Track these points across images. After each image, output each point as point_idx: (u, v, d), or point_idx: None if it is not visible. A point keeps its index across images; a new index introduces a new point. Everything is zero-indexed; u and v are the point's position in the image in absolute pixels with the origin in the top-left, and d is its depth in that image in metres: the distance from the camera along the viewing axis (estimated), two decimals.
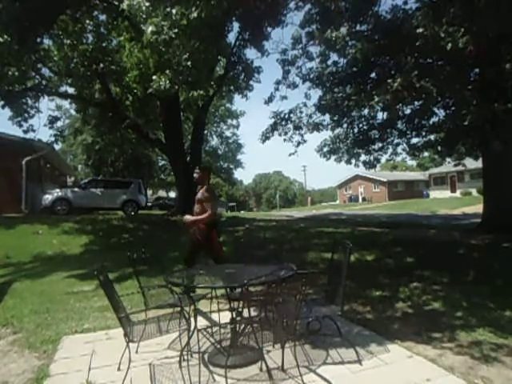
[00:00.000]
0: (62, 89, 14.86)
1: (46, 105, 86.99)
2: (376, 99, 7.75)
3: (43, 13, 8.85)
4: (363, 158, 12.10)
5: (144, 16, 6.14)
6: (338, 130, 11.71)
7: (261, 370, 2.97)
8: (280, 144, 75.47)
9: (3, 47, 8.58)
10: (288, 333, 3.02)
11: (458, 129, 9.51)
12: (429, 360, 3.11)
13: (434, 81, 7.32)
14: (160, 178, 36.12)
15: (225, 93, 18.26)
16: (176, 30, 5.91)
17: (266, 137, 11.34)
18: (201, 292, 3.78)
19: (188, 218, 4.67)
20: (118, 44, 13.36)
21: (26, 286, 6.10)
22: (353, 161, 11.99)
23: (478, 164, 13.50)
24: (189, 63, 6.42)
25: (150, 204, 26.01)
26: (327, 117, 11.11)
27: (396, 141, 11.95)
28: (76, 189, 16.21)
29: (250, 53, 75.54)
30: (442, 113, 10.63)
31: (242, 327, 3.10)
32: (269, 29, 10.09)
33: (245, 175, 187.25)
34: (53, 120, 15.71)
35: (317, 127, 11.11)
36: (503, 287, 4.94)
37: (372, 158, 12.13)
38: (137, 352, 3.28)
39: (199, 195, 4.64)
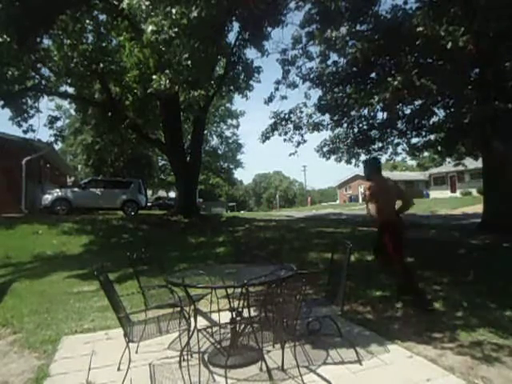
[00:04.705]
0: (62, 89, 14.85)
1: (46, 105, 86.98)
2: (376, 98, 7.75)
3: (43, 13, 8.84)
4: (363, 157, 12.11)
5: (144, 15, 6.12)
6: (337, 130, 11.73)
7: (261, 369, 2.97)
8: (280, 144, 75.53)
9: (3, 47, 8.57)
10: (288, 333, 3.02)
11: (458, 128, 9.51)
12: (429, 360, 3.10)
13: (434, 79, 7.32)
14: (160, 177, 36.12)
15: (225, 93, 18.24)
16: (176, 30, 5.90)
17: (266, 137, 11.34)
18: (201, 292, 3.77)
19: None
20: (118, 44, 13.34)
21: (25, 286, 6.10)
22: (353, 161, 12.00)
23: (477, 164, 13.51)
24: (189, 63, 6.40)
25: (149, 204, 26.01)
26: (327, 117, 11.12)
27: (396, 141, 11.95)
28: (76, 189, 16.19)
29: (250, 53, 75.46)
30: (442, 113, 10.65)
31: (242, 327, 3.09)
32: (269, 29, 10.11)
33: (245, 175, 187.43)
34: (53, 120, 15.68)
35: (317, 127, 11.11)
36: (503, 287, 4.93)
37: None
38: (137, 352, 3.27)
39: None
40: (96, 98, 15.01)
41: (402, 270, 4.49)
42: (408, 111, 10.74)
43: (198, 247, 8.98)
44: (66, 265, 7.49)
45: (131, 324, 3.12)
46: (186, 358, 2.99)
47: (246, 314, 3.19)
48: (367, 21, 8.94)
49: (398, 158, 13.30)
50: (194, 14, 5.69)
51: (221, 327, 3.50)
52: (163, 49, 6.49)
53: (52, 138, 16.04)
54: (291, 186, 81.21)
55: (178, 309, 3.09)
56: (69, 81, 13.65)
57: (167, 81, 6.48)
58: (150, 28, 5.94)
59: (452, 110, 10.26)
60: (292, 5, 9.65)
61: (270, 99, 11.41)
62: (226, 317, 3.52)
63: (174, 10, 5.78)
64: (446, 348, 3.33)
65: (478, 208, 13.21)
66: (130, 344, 2.93)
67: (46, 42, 12.02)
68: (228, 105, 32.69)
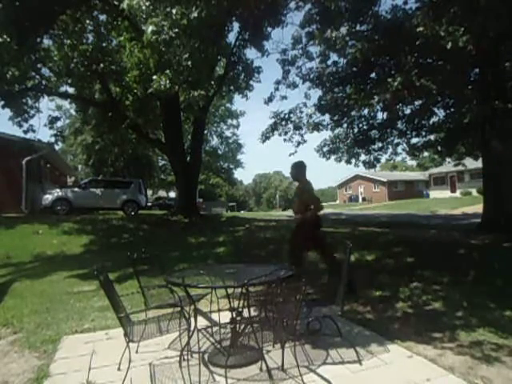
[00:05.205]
0: (62, 89, 14.83)
1: (46, 105, 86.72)
2: (376, 98, 7.76)
3: (43, 13, 8.84)
4: (363, 157, 12.15)
5: (144, 16, 6.13)
6: (337, 130, 11.75)
7: (261, 369, 2.97)
8: (280, 144, 75.49)
9: (3, 47, 8.57)
10: (288, 333, 3.02)
11: (457, 128, 9.52)
12: (429, 360, 3.11)
13: (434, 79, 7.33)
14: (160, 177, 36.16)
15: (225, 93, 18.25)
16: (176, 30, 5.90)
17: (266, 137, 11.34)
18: (201, 292, 3.78)
19: None
20: (118, 44, 13.34)
21: (26, 286, 6.10)
22: (353, 161, 12.02)
23: (478, 164, 13.51)
24: (189, 63, 6.41)
25: (150, 204, 26.03)
26: (327, 117, 11.13)
27: (396, 141, 11.98)
28: (76, 189, 16.19)
29: (250, 53, 75.48)
30: (442, 113, 10.66)
31: (242, 327, 3.10)
32: (269, 29, 10.11)
33: (245, 175, 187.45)
34: (53, 120, 15.66)
35: (317, 127, 11.11)
36: (503, 287, 4.94)
37: (372, 157, 12.15)
38: (137, 352, 3.28)
39: None
40: (96, 98, 15.02)
41: (299, 261, 4.79)
42: (408, 111, 10.76)
43: (198, 247, 8.98)
44: (67, 265, 7.50)
45: (131, 324, 3.12)
46: (186, 357, 2.99)
47: (246, 313, 3.19)
48: (367, 21, 8.94)
49: (398, 158, 13.36)
50: (194, 14, 5.69)
51: (221, 327, 3.51)
52: (163, 49, 6.48)
53: (52, 138, 16.06)
54: (291, 186, 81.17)
55: (178, 309, 3.09)
56: (69, 81, 13.65)
57: (167, 81, 6.47)
58: (151, 28, 5.93)
59: (452, 109, 10.26)
60: (292, 5, 9.66)
61: (270, 99, 11.42)
62: (226, 317, 3.52)
63: (174, 11, 5.78)
64: (445, 348, 3.33)
65: (478, 208, 13.21)
66: (130, 344, 2.93)
67: (46, 41, 12.04)
68: (228, 105, 32.77)
